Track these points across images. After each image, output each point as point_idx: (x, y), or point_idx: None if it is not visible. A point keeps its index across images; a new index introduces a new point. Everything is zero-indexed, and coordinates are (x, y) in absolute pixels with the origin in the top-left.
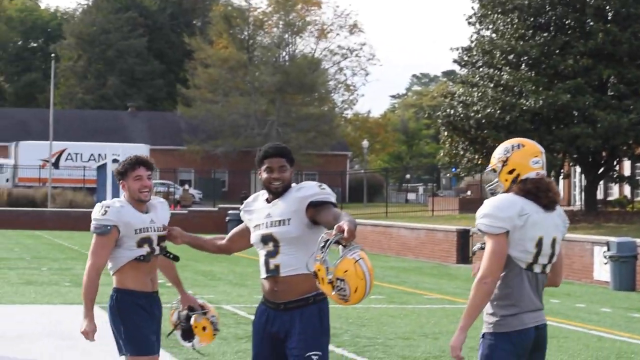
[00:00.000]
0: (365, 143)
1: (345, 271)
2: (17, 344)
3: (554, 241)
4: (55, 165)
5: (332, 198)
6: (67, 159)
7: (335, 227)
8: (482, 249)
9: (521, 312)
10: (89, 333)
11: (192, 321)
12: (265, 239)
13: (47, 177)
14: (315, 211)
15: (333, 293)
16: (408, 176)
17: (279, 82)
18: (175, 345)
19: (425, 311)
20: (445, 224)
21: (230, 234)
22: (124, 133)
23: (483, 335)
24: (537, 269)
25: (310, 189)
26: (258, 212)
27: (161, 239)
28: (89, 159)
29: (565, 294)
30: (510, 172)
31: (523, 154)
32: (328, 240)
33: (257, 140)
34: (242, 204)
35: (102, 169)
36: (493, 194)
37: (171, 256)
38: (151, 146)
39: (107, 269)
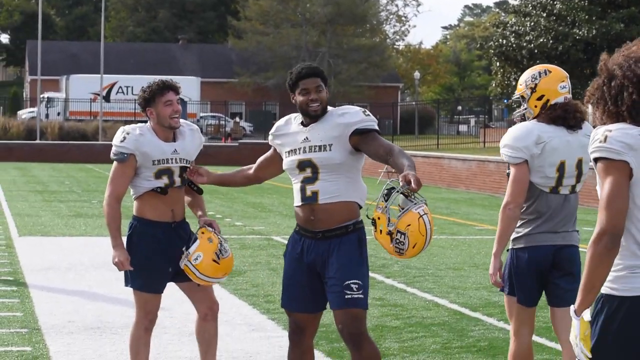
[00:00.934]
0: (416, 75)
1: (408, 225)
2: (67, 275)
3: (579, 162)
4: (106, 98)
5: (376, 125)
6: (118, 92)
7: (401, 177)
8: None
9: (538, 232)
10: (123, 262)
11: (198, 230)
12: (303, 165)
13: (98, 110)
14: (361, 139)
15: (391, 245)
16: (459, 108)
17: (330, 13)
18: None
19: (475, 242)
20: (497, 156)
21: (258, 162)
22: (175, 66)
23: (508, 250)
24: (564, 190)
25: (356, 115)
26: (293, 136)
27: (184, 170)
28: None
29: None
30: (540, 98)
31: (551, 80)
32: (393, 188)
33: None
34: None
35: None
36: (523, 120)
37: (195, 187)
38: (202, 79)
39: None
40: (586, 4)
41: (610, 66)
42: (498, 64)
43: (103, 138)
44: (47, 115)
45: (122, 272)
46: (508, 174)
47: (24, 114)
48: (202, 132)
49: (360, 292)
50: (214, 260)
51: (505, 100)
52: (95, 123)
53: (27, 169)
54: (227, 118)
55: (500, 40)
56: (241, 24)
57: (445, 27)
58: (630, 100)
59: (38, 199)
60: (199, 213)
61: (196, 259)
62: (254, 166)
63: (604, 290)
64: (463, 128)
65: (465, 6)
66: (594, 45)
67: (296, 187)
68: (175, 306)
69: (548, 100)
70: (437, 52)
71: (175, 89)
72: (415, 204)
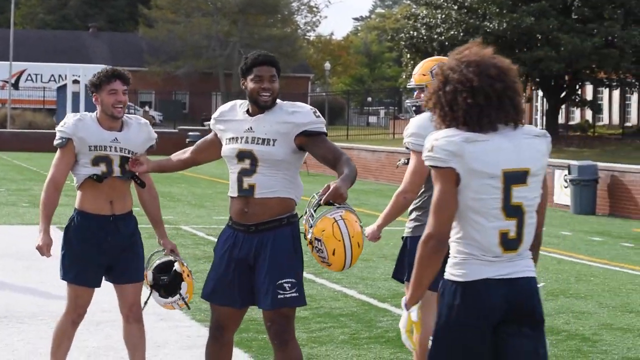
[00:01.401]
0: (327, 65)
1: (323, 231)
2: None
3: None
4: (15, 85)
5: (325, 128)
6: (27, 79)
7: (325, 186)
8: (406, 164)
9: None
10: (43, 247)
11: (176, 267)
12: (242, 155)
13: (7, 97)
14: (309, 141)
15: (313, 252)
16: (370, 99)
17: (241, 3)
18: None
19: (384, 233)
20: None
21: (196, 144)
22: (85, 54)
23: (407, 238)
24: None
25: (307, 116)
26: (237, 123)
27: (126, 160)
28: (49, 80)
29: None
30: None
31: None
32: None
33: (218, 62)
34: (202, 125)
35: (62, 89)
36: (417, 111)
37: (138, 181)
38: (112, 67)
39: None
40: None
41: (445, 71)
42: (409, 55)
43: (11, 126)
44: None
45: (48, 260)
46: (406, 163)
47: None
48: None
49: (294, 290)
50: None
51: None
52: (3, 110)
53: None
54: (136, 107)
55: (411, 32)
56: (152, 12)
57: (356, 19)
58: (465, 104)
59: None
60: (159, 232)
61: (184, 299)
62: (190, 149)
63: (445, 275)
64: (373, 119)
65: None
66: (504, 39)
67: (233, 177)
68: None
69: None
70: (347, 43)
71: (123, 78)
72: (334, 209)
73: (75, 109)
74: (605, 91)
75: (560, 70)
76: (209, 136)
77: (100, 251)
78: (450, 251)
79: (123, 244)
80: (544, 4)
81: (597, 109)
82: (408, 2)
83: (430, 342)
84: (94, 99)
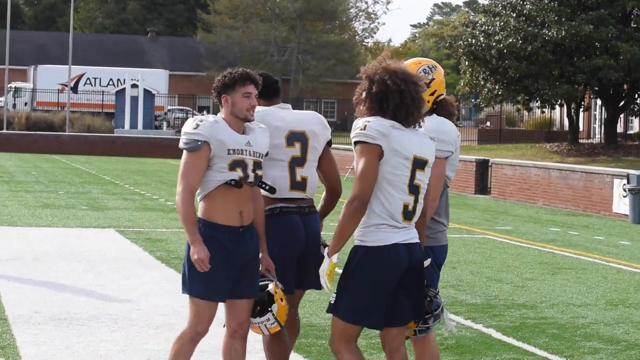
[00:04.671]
0: None
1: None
2: (34, 266)
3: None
4: (74, 89)
5: None
6: (85, 83)
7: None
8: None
9: None
10: (204, 260)
11: (270, 288)
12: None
13: (66, 101)
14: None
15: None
16: None
17: (300, 9)
18: None
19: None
20: (464, 154)
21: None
22: (143, 58)
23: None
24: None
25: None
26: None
27: (257, 165)
28: (108, 84)
29: (584, 226)
30: (432, 93)
31: (440, 75)
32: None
33: (276, 67)
34: None
35: (120, 94)
36: None
37: (267, 187)
38: (170, 72)
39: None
40: (556, 5)
41: (370, 74)
42: (467, 63)
43: (70, 129)
44: (14, 105)
45: (99, 264)
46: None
47: None
48: (169, 125)
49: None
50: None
51: (474, 100)
52: (62, 114)
53: None
54: (194, 112)
55: (470, 39)
56: (210, 17)
57: (414, 25)
58: (394, 104)
59: (4, 189)
60: (262, 247)
61: (273, 322)
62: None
63: (357, 242)
64: None
65: (435, 5)
66: (563, 47)
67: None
68: (142, 298)
69: (440, 95)
70: (405, 50)
71: (257, 83)
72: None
73: (134, 113)
74: None
75: (619, 78)
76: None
77: (229, 264)
78: (360, 223)
79: (247, 257)
80: (602, 13)
81: None
82: (466, 9)
83: (337, 297)
84: (222, 100)
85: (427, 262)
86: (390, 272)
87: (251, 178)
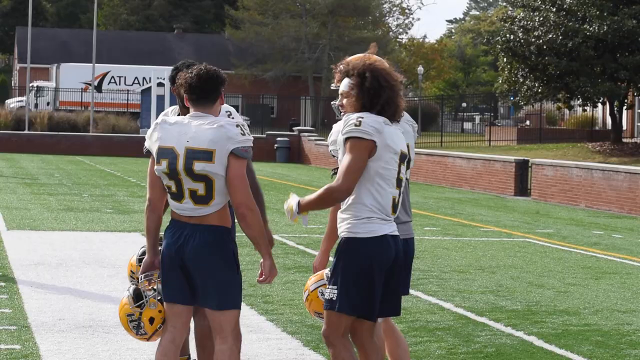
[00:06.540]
0: (420, 69)
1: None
2: (57, 270)
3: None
4: (98, 88)
5: None
6: (110, 82)
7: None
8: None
9: None
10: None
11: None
12: None
13: (90, 100)
14: None
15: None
16: (464, 104)
17: (331, 4)
18: None
19: (481, 244)
20: (503, 154)
21: None
22: (170, 55)
23: None
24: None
25: None
26: None
27: None
28: (133, 83)
29: (629, 229)
30: None
31: None
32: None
33: (307, 65)
34: (291, 130)
35: (146, 92)
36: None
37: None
38: None
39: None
40: None
41: (360, 71)
42: (505, 59)
43: (94, 129)
44: (36, 105)
45: (113, 269)
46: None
47: (12, 103)
48: None
49: None
50: None
51: (512, 98)
52: (86, 114)
53: (15, 160)
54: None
55: (508, 35)
56: (239, 13)
57: (450, 21)
58: (385, 99)
59: (27, 191)
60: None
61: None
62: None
63: (347, 235)
64: (467, 125)
65: None
66: (605, 42)
67: None
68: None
69: None
70: (441, 46)
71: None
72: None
73: (160, 113)
74: None
75: None
76: None
77: None
78: (347, 216)
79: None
80: None
81: None
82: (504, 4)
83: (335, 293)
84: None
85: None
86: (384, 261)
87: None
